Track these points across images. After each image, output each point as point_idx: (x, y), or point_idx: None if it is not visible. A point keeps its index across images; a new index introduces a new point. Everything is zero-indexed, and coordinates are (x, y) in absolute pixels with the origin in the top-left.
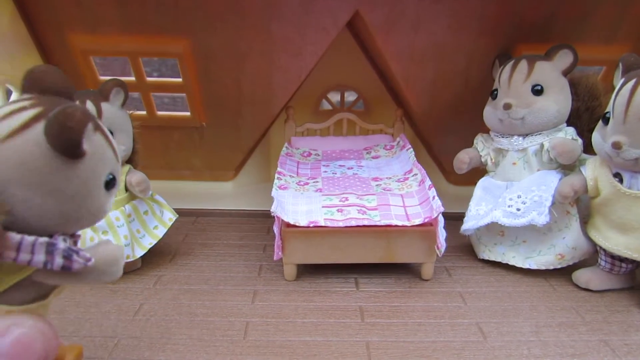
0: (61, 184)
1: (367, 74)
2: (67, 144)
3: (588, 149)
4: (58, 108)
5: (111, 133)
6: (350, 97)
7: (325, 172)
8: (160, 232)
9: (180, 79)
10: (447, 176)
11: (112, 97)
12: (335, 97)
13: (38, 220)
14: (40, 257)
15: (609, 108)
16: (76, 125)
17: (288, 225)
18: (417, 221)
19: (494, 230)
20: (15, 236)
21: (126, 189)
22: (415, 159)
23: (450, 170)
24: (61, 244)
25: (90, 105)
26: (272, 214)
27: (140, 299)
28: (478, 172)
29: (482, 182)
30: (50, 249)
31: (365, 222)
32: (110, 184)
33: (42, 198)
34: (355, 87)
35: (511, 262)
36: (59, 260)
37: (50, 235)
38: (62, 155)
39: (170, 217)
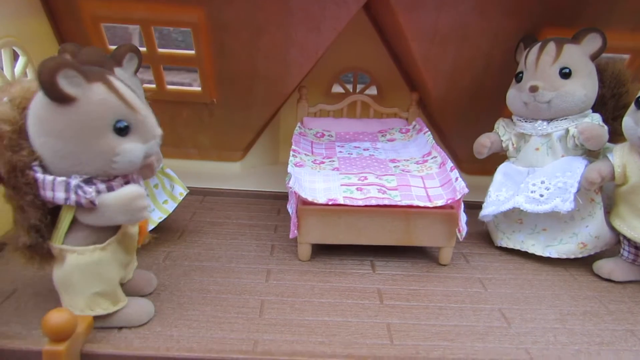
0: (62, 126)
1: (382, 57)
2: (45, 90)
3: (613, 137)
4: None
5: None
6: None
7: (341, 152)
8: (170, 206)
9: (192, 51)
10: (460, 165)
11: (126, 63)
12: (347, 84)
13: (58, 161)
14: (60, 194)
15: None
16: (47, 72)
17: (304, 202)
18: (440, 202)
19: (513, 217)
20: (39, 175)
21: None
22: (433, 141)
23: (464, 159)
24: (73, 181)
25: None
26: (289, 189)
27: None
28: (493, 161)
29: (502, 168)
30: (67, 187)
31: (386, 202)
32: (123, 130)
33: (54, 141)
34: (369, 70)
35: (530, 250)
36: (73, 196)
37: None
38: (52, 102)
39: (180, 191)
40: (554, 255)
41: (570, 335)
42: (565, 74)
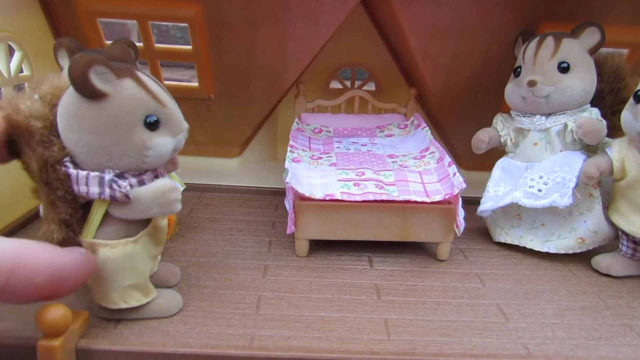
0: (94, 122)
1: (380, 53)
2: (77, 86)
3: (611, 132)
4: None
5: None
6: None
7: (339, 147)
8: None
9: (189, 47)
10: (459, 161)
11: None
12: (346, 80)
13: (91, 157)
14: (94, 189)
15: None
16: (79, 69)
17: (302, 198)
18: (437, 198)
19: (511, 213)
20: (72, 171)
21: None
22: (432, 137)
23: (462, 155)
24: (107, 176)
25: None
26: (286, 185)
27: None
28: (491, 157)
29: (500, 163)
30: (101, 181)
31: (384, 197)
32: (153, 125)
33: (86, 136)
34: (367, 66)
35: (529, 246)
36: (107, 190)
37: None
38: (84, 98)
39: (177, 187)
40: (553, 250)
41: (569, 330)
42: (564, 68)
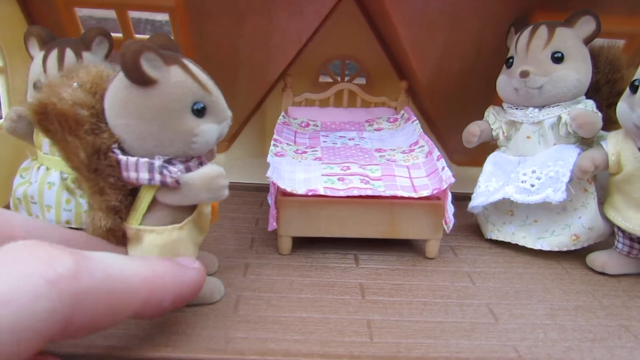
0: (143, 108)
1: (370, 45)
2: (127, 72)
3: (607, 125)
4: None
5: None
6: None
7: (325, 142)
8: None
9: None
10: (450, 155)
11: (95, 47)
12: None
13: (140, 143)
14: (144, 175)
15: (637, 75)
16: (130, 56)
17: (284, 193)
18: (425, 193)
19: (503, 209)
20: (122, 157)
21: None
22: (421, 130)
23: (454, 149)
24: (157, 162)
25: (70, 54)
26: (268, 179)
27: None
28: (483, 152)
29: (492, 157)
30: (151, 167)
31: (369, 192)
32: (200, 112)
33: (136, 122)
34: (357, 58)
35: (521, 243)
36: (157, 176)
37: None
38: (134, 84)
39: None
40: (546, 247)
41: (561, 332)
42: (558, 58)
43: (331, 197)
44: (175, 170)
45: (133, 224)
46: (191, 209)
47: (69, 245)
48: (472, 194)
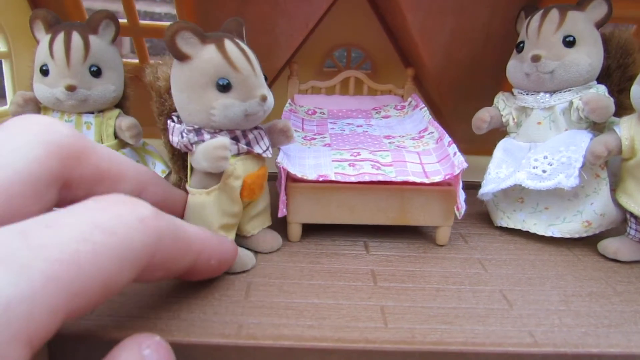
0: (180, 81)
1: (376, 33)
2: (168, 48)
3: (618, 111)
4: None
5: (99, 70)
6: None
7: (333, 128)
8: None
9: None
10: (458, 144)
11: (102, 30)
12: (340, 60)
13: (180, 112)
14: (175, 138)
15: None
16: (169, 33)
17: (294, 180)
18: (437, 178)
19: (513, 196)
20: (169, 122)
21: (115, 136)
22: (430, 117)
23: (461, 138)
24: (182, 127)
25: (77, 38)
26: (277, 165)
27: None
28: (492, 140)
29: (502, 144)
30: (176, 132)
31: (380, 178)
32: (225, 87)
33: (177, 93)
34: (363, 46)
35: (532, 230)
36: (175, 139)
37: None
38: (175, 59)
39: (162, 169)
40: (557, 234)
41: (576, 317)
42: (569, 42)
43: (342, 182)
44: (189, 135)
45: (188, 184)
46: (219, 177)
47: None
48: (480, 182)
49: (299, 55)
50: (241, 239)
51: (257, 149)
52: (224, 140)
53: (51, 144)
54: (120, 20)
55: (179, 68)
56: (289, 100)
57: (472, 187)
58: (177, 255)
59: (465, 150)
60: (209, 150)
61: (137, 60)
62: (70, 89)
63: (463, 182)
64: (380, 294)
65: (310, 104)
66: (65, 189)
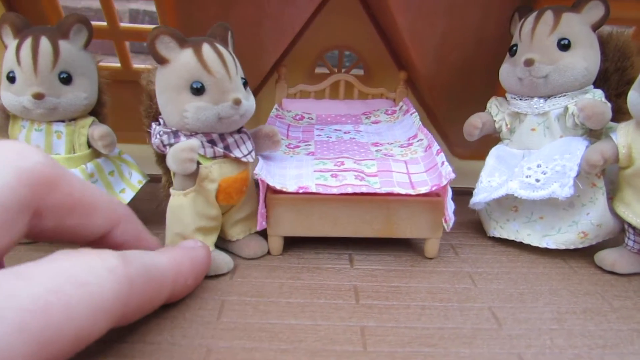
0: (159, 83)
1: (368, 34)
2: (149, 51)
3: (616, 116)
4: None
5: (69, 77)
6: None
7: (319, 135)
8: (128, 196)
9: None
10: (452, 149)
11: (73, 35)
12: (332, 62)
13: (162, 114)
14: (153, 139)
15: None
16: (150, 38)
17: (274, 191)
18: (423, 189)
19: (507, 205)
20: (153, 125)
21: (89, 145)
22: (420, 123)
23: (455, 142)
24: (158, 128)
25: (45, 43)
26: (256, 177)
27: None
28: (486, 145)
29: (495, 151)
30: (155, 134)
31: (364, 189)
32: (199, 90)
33: (158, 95)
34: (355, 48)
35: (526, 241)
36: (154, 140)
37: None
38: (155, 61)
39: (139, 179)
40: (552, 245)
41: (569, 337)
42: (564, 45)
43: (324, 194)
44: (160, 136)
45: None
46: (194, 179)
47: None
48: (474, 189)
49: (289, 58)
50: (226, 243)
51: (237, 153)
52: (191, 142)
53: (23, 171)
54: (100, 23)
55: (160, 71)
56: (276, 105)
57: (465, 194)
58: (152, 295)
59: (459, 154)
60: (177, 152)
61: (118, 64)
62: (38, 97)
63: (456, 188)
64: (362, 313)
65: (298, 109)
66: (35, 218)
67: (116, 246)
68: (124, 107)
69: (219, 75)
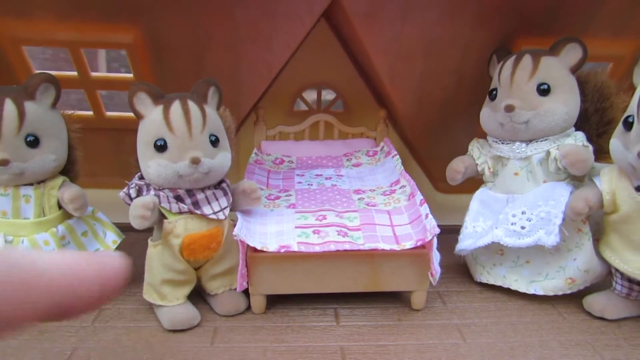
0: (137, 136)
1: (347, 71)
2: (130, 107)
3: (598, 156)
4: None
5: (36, 139)
6: (329, 96)
7: (300, 182)
8: None
9: (131, 75)
10: (435, 184)
11: (40, 95)
12: (311, 96)
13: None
14: (120, 192)
15: (630, 111)
16: (129, 95)
17: (255, 250)
18: (408, 245)
19: (493, 249)
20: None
21: (59, 206)
22: (402, 167)
23: (438, 177)
24: (133, 180)
25: (10, 106)
26: (235, 238)
27: (74, 342)
28: (471, 178)
29: (479, 195)
30: (127, 186)
31: (347, 246)
32: (161, 147)
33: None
34: (334, 85)
35: (513, 287)
36: (120, 193)
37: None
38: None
39: (114, 239)
40: (540, 292)
41: None
42: (544, 90)
43: (306, 252)
44: (126, 191)
45: None
46: (162, 233)
47: None
48: (459, 225)
49: (266, 97)
50: (206, 295)
51: (206, 210)
52: (146, 200)
53: None
54: (71, 73)
55: (139, 125)
56: (255, 150)
57: (450, 232)
58: (24, 297)
59: (443, 189)
60: (133, 207)
61: (91, 112)
62: (3, 163)
63: (441, 226)
64: None
65: (277, 152)
66: None
67: None
68: (99, 152)
69: (180, 133)
